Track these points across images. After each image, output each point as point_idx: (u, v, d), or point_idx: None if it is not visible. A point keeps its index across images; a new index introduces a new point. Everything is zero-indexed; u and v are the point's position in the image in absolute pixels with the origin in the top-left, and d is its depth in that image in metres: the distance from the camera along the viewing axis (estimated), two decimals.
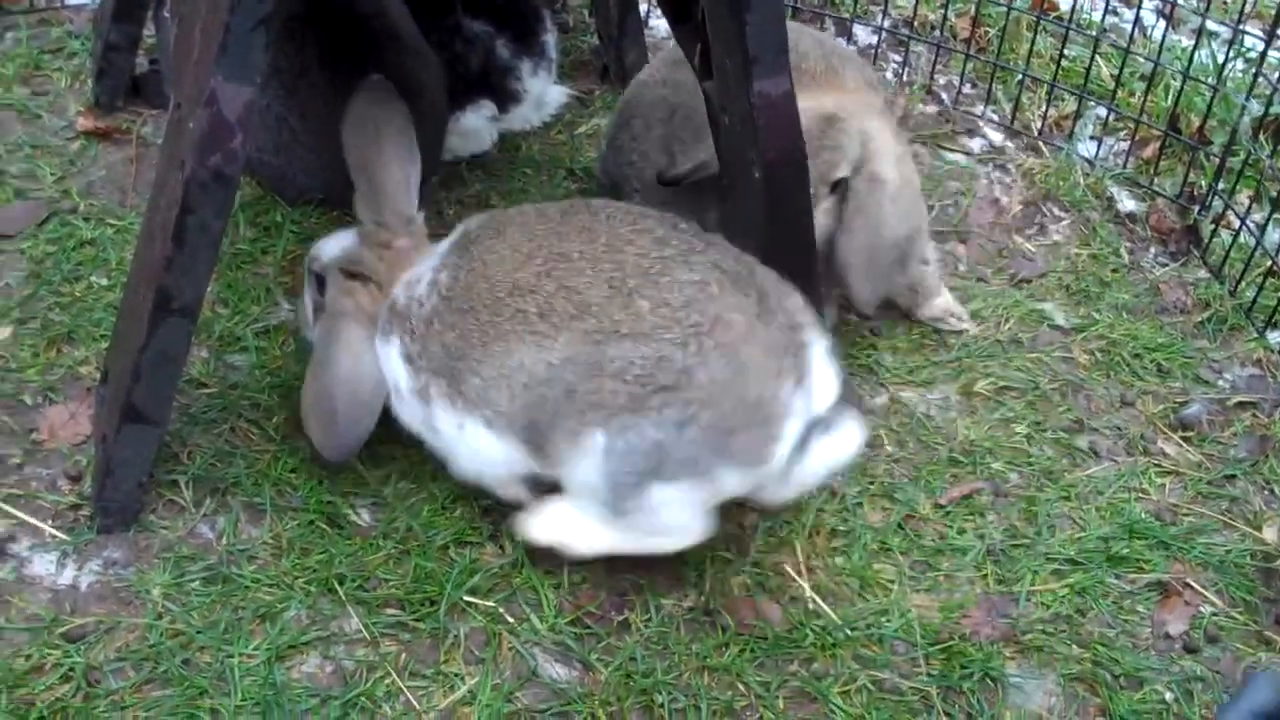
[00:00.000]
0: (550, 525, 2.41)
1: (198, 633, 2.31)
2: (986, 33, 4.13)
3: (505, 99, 3.38)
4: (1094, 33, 3.89)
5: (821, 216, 2.78)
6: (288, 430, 2.66)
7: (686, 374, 2.20)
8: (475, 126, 3.37)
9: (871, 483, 2.75)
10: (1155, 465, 2.88)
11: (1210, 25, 3.89)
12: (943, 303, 3.15)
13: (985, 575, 2.60)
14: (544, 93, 3.49)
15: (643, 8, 3.86)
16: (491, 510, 2.57)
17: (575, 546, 2.40)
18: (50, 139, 3.33)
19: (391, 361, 2.44)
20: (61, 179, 3.21)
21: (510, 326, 2.29)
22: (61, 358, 2.77)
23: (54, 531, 2.46)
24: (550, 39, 3.48)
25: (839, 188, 2.84)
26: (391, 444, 2.64)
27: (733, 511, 2.61)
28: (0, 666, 2.22)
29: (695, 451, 2.22)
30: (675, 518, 2.33)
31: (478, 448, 2.40)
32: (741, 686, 2.35)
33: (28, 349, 2.78)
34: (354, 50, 3.13)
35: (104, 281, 2.95)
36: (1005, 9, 3.97)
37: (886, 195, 2.83)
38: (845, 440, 2.36)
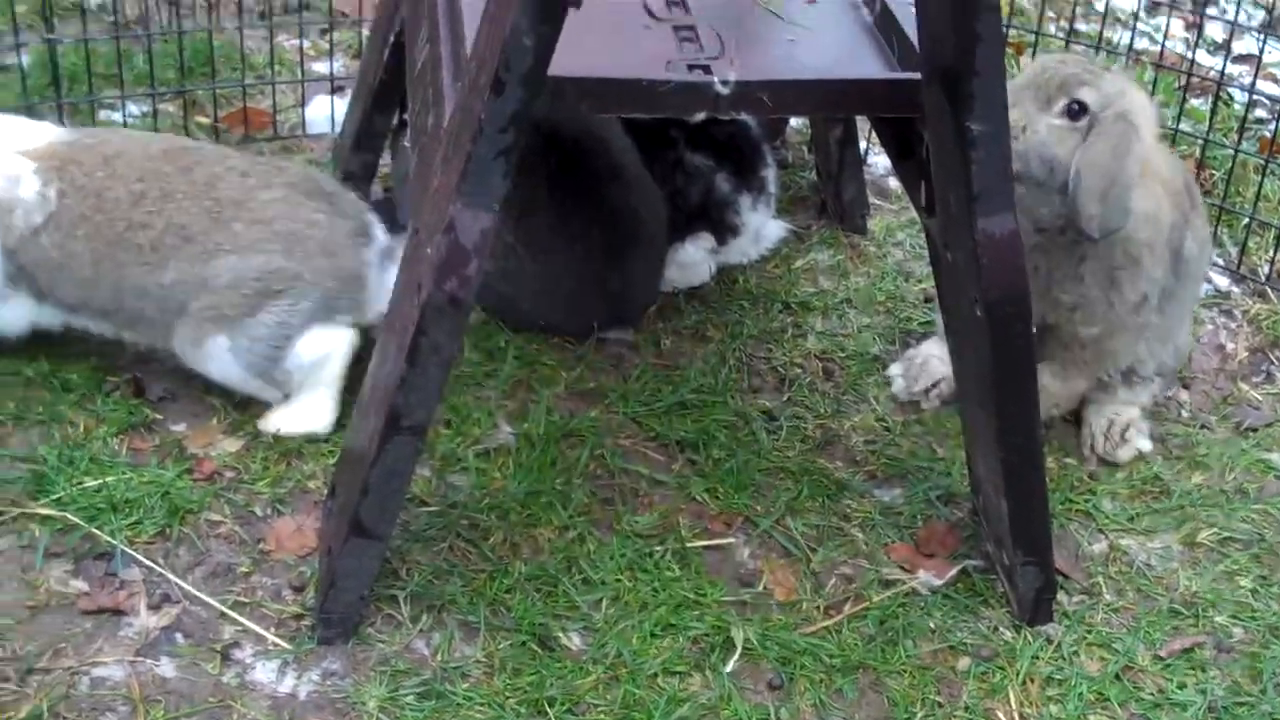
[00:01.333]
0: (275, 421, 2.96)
1: None
2: (1212, 175, 4.07)
3: (724, 232, 3.45)
4: None
5: (1047, 133, 2.81)
6: (504, 551, 2.71)
7: (297, 275, 2.86)
8: (694, 258, 3.44)
9: (1089, 631, 2.68)
10: None
11: None
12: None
13: None
14: (762, 227, 3.55)
15: (862, 144, 3.90)
16: (699, 639, 2.57)
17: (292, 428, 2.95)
18: None
19: None
20: None
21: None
22: (290, 471, 2.87)
23: (276, 640, 2.53)
24: (770, 174, 3.54)
25: (1081, 113, 2.82)
26: (603, 569, 2.67)
27: (944, 655, 2.58)
28: None
29: (313, 316, 2.90)
30: (321, 348, 2.93)
31: None
32: None
33: (259, 462, 2.88)
34: (580, 182, 3.22)
35: None
36: (1232, 152, 3.91)
37: (1136, 138, 2.79)
38: None
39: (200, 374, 2.97)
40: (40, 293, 2.91)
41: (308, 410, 2.96)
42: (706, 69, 2.42)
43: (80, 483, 2.77)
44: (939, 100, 2.34)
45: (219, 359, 2.90)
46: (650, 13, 2.71)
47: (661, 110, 2.43)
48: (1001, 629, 2.67)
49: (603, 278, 3.25)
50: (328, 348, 2.94)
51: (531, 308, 3.27)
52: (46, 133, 2.99)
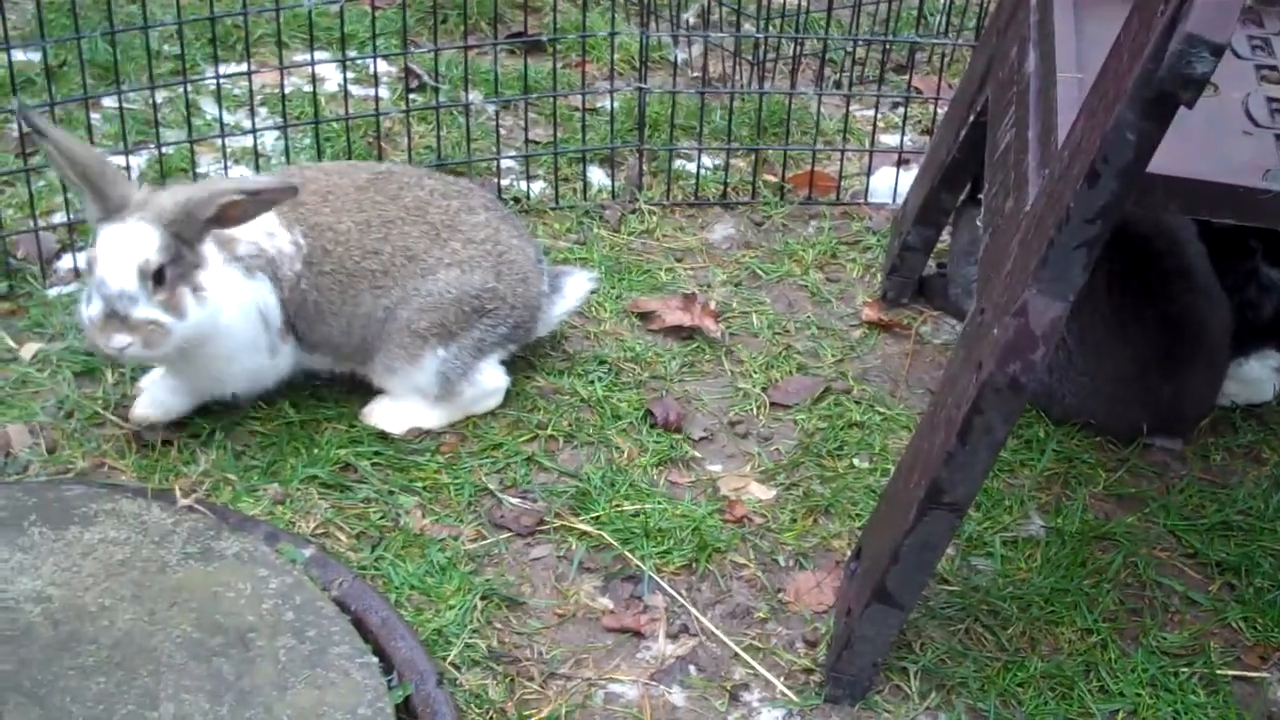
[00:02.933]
0: (391, 417, 3.05)
1: None
2: None
3: None
4: None
5: None
6: (1022, 643, 2.66)
7: (503, 297, 3.04)
8: (1258, 375, 3.27)
9: None
10: None
11: None
12: None
13: None
14: None
15: None
16: None
17: (424, 424, 3.06)
18: (835, 323, 3.55)
19: None
20: (840, 361, 3.41)
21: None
22: (817, 528, 2.92)
23: (785, 689, 2.58)
24: None
25: None
26: (1123, 681, 2.58)
27: None
28: None
29: (503, 340, 3.09)
30: (492, 382, 3.10)
31: None
32: None
33: (787, 513, 2.95)
34: (1145, 281, 3.14)
35: (866, 464, 3.08)
36: None
37: None
38: (578, 284, 3.31)
39: (381, 388, 3.10)
40: (299, 337, 3.00)
41: (419, 414, 3.07)
42: None
43: (619, 505, 2.91)
44: None
45: (427, 371, 3.00)
46: (1252, 119, 2.61)
47: (1255, 218, 2.33)
48: None
49: (1156, 382, 3.14)
50: (499, 383, 3.13)
51: (1077, 403, 3.19)
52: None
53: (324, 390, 3.11)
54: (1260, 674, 2.66)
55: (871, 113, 4.23)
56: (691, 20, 4.72)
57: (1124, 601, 2.77)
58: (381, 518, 2.82)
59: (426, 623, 2.59)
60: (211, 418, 2.99)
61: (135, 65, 3.97)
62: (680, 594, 2.75)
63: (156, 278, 2.67)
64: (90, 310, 2.68)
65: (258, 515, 2.74)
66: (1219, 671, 2.64)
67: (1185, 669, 2.63)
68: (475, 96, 4.15)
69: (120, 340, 2.66)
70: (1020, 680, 2.58)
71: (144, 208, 2.71)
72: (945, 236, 3.66)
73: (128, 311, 2.66)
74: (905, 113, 4.32)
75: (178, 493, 2.72)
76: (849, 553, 2.77)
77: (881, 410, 3.24)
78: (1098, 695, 2.57)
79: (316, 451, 2.94)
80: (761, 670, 2.61)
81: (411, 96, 4.20)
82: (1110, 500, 3.03)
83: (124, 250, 2.66)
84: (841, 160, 4.10)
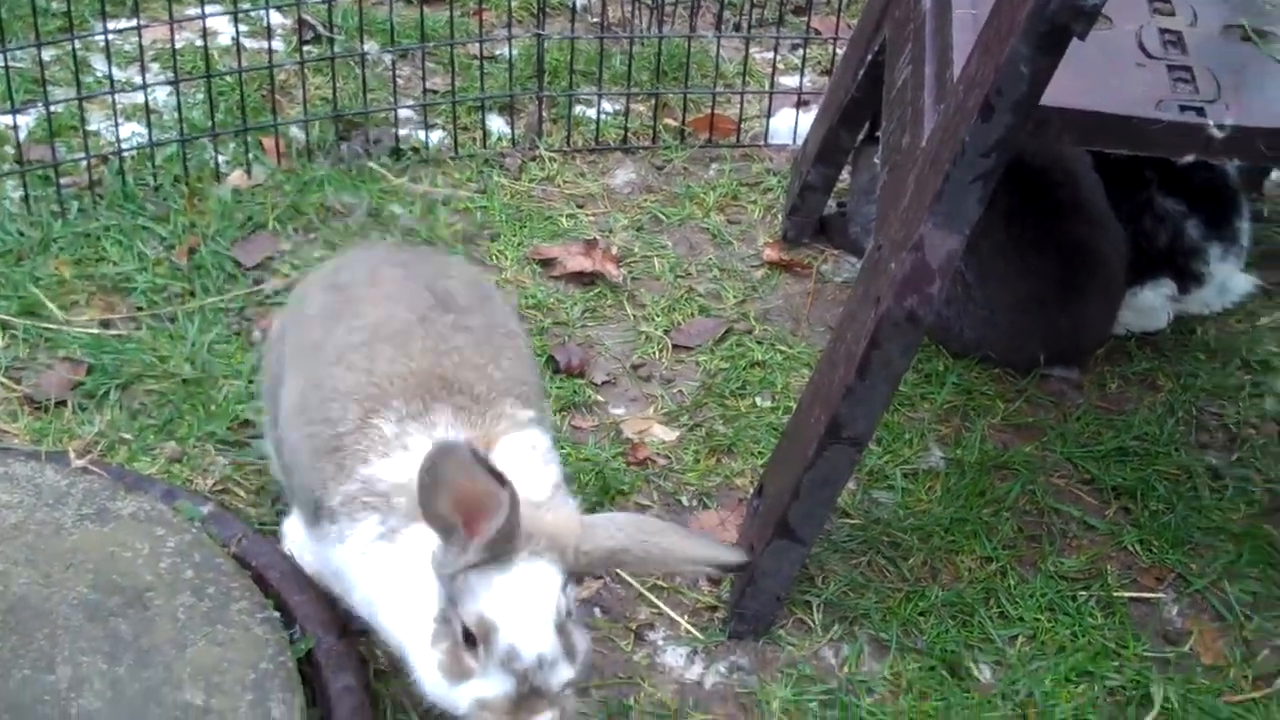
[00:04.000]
0: None
1: None
2: None
3: (1187, 280, 3.32)
4: None
5: None
6: (923, 573, 2.69)
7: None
8: (1152, 304, 3.32)
9: None
10: None
11: None
12: None
13: None
14: (1229, 279, 3.39)
15: None
16: (1116, 691, 2.49)
17: None
18: (737, 264, 3.55)
19: None
20: (742, 302, 3.42)
21: None
22: (720, 467, 2.93)
23: (689, 627, 2.59)
24: (1244, 225, 3.38)
25: None
26: (1023, 606, 2.62)
27: None
28: None
29: None
30: None
31: None
32: None
33: (690, 454, 2.96)
34: (1040, 213, 3.16)
35: (768, 403, 3.10)
36: None
37: None
38: None
39: None
40: None
41: None
42: (1200, 110, 2.33)
43: None
44: None
45: None
46: (1145, 51, 2.62)
47: (1149, 149, 2.36)
48: None
49: (1053, 313, 3.17)
50: None
51: (975, 336, 3.22)
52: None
53: (219, 345, 3.07)
54: (1156, 595, 2.71)
55: (771, 55, 4.24)
56: None
57: (1022, 529, 2.81)
58: None
59: None
60: (106, 376, 2.94)
61: (22, 23, 3.88)
62: None
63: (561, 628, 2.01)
64: (487, 690, 1.95)
65: (154, 474, 2.71)
66: (1116, 594, 2.68)
67: (1083, 592, 2.68)
68: (371, 46, 4.09)
69: None
70: (922, 609, 2.61)
71: (534, 540, 1.98)
72: (845, 176, 3.67)
73: (548, 682, 1.96)
74: (804, 54, 4.33)
75: (72, 455, 2.68)
76: (751, 490, 2.78)
77: (783, 349, 3.25)
78: (998, 621, 2.60)
79: (214, 409, 2.91)
80: (666, 609, 2.62)
81: (306, 48, 4.14)
82: (1009, 430, 3.06)
83: (533, 605, 1.97)
84: (741, 103, 4.09)
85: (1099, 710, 2.45)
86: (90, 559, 2.39)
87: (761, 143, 4.06)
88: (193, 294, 3.22)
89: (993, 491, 2.88)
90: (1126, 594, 2.70)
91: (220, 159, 3.63)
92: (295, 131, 3.75)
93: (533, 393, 2.32)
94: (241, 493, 2.74)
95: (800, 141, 3.83)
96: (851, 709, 2.43)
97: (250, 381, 2.98)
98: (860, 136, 3.54)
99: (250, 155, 3.66)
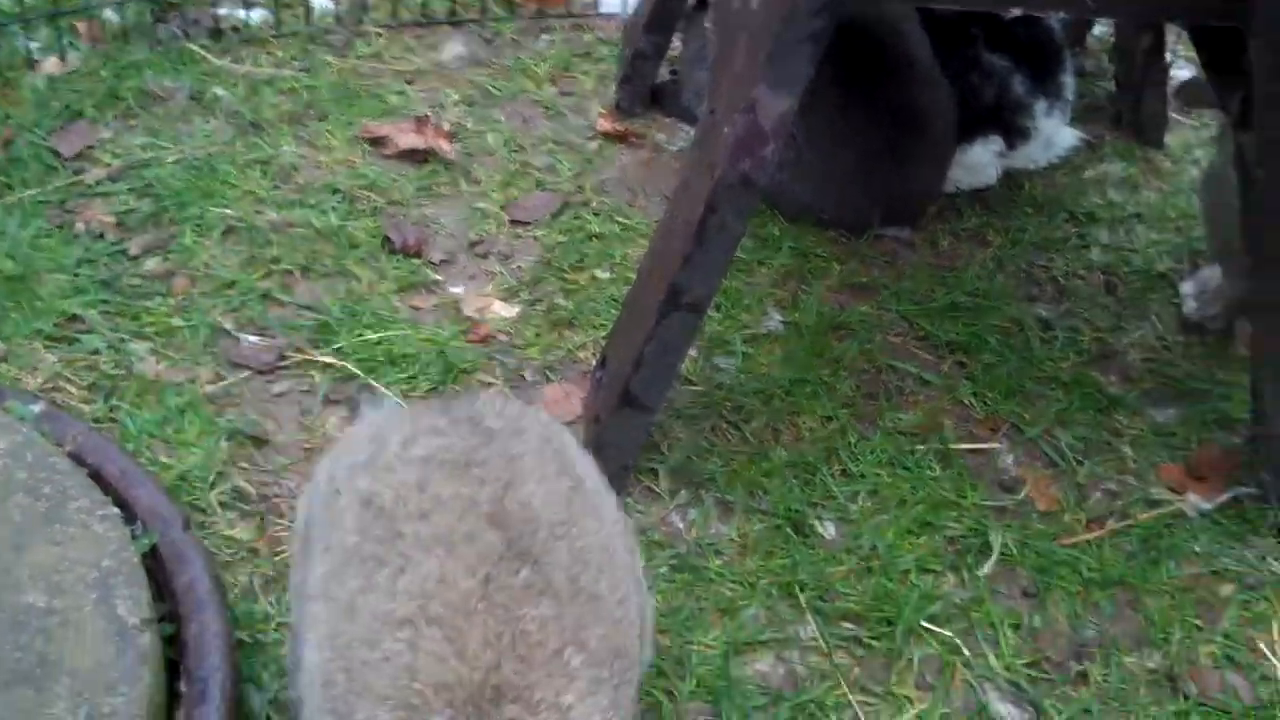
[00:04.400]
0: None
1: (662, 615, 2.38)
2: None
3: (1014, 135, 3.37)
4: None
5: None
6: (765, 436, 2.72)
7: None
8: (981, 160, 3.37)
9: None
10: None
11: None
12: None
13: None
14: (1055, 133, 3.46)
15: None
16: (956, 540, 2.55)
17: None
18: (572, 136, 3.53)
19: None
20: (578, 175, 3.40)
21: None
22: (561, 341, 2.93)
23: None
24: (1068, 80, 3.44)
25: None
26: (863, 462, 2.67)
27: (1207, 580, 2.51)
28: None
29: None
30: None
31: None
32: None
33: (532, 329, 2.95)
34: (868, 72, 3.18)
35: (607, 275, 3.10)
36: None
37: None
38: None
39: None
40: None
41: None
42: None
43: (361, 335, 2.87)
44: (1274, 7, 2.23)
45: None
46: None
47: (976, 3, 2.37)
48: (1270, 559, 2.57)
49: (884, 173, 3.21)
50: None
51: (809, 198, 3.25)
52: None
53: (41, 240, 2.98)
54: (991, 445, 2.78)
55: None
56: None
57: (861, 387, 2.86)
58: (114, 367, 2.73)
59: (169, 469, 2.53)
60: None
61: None
62: None
63: None
64: None
65: None
66: (952, 446, 2.74)
67: (921, 446, 2.73)
68: None
69: None
70: (766, 470, 2.65)
71: None
72: (677, 43, 3.65)
73: None
74: None
75: None
76: (594, 362, 2.78)
77: (621, 221, 3.25)
78: (839, 478, 2.65)
79: (38, 304, 2.82)
80: None
81: None
82: (845, 291, 3.10)
83: None
84: None
85: (940, 559, 2.52)
86: None
87: (592, 12, 4.03)
88: (10, 187, 3.11)
89: (831, 352, 2.92)
90: (963, 446, 2.76)
91: (32, 45, 3.49)
92: (110, 14, 3.62)
93: (620, 673, 1.76)
94: (73, 390, 2.67)
95: (631, 10, 3.80)
96: (700, 571, 2.46)
97: (75, 275, 2.90)
98: (691, 2, 3.52)
99: (64, 41, 3.52)
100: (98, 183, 3.16)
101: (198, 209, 3.14)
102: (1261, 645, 2.43)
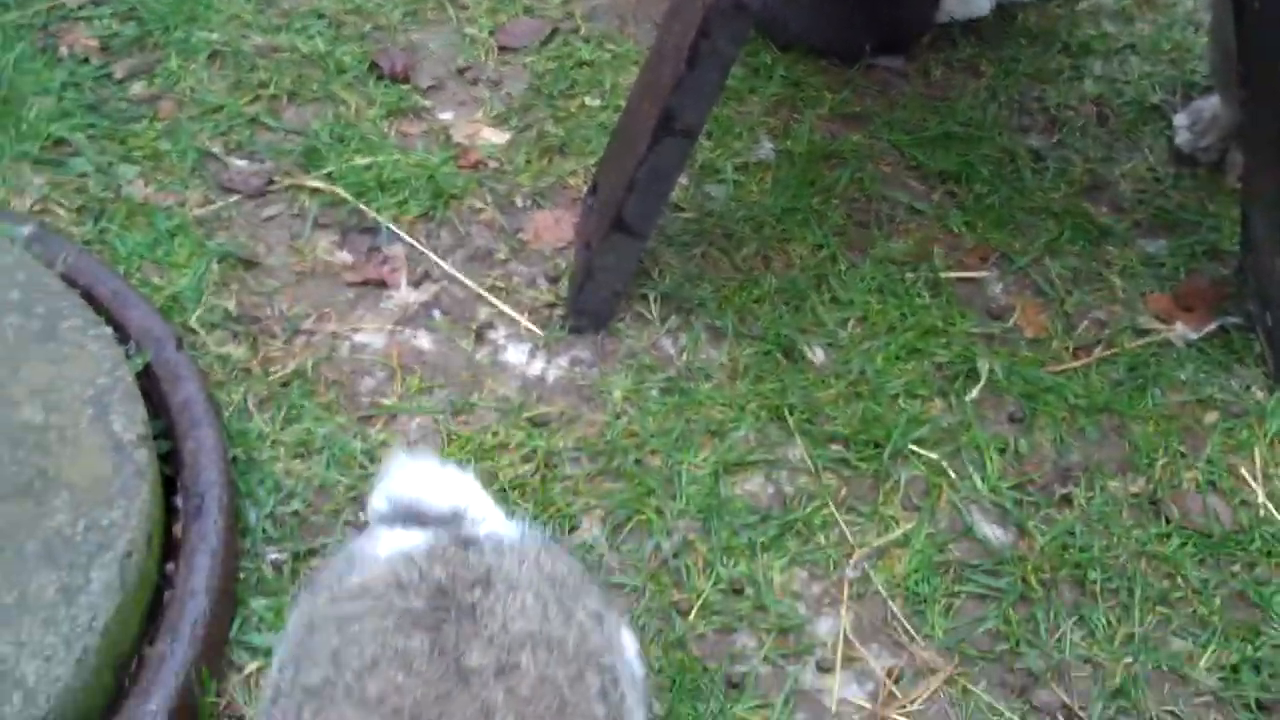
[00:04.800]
0: None
1: (652, 436, 2.41)
2: None
3: None
4: None
5: None
6: (756, 263, 2.73)
7: None
8: None
9: None
10: None
11: None
12: None
13: None
14: None
15: None
16: (944, 366, 2.58)
17: None
18: None
19: None
20: (567, 1, 3.35)
21: None
22: (552, 167, 2.91)
23: (529, 325, 2.61)
24: None
25: None
26: (853, 290, 2.68)
27: (1191, 407, 2.54)
28: (472, 440, 2.39)
29: None
30: None
31: None
32: (1179, 579, 2.29)
33: (522, 155, 2.93)
34: None
35: (597, 102, 3.07)
36: None
37: None
38: None
39: None
40: None
41: None
42: None
43: (350, 160, 2.86)
44: None
45: None
46: None
47: None
48: (1254, 388, 2.60)
49: (876, 1, 3.17)
50: None
51: (801, 27, 3.21)
52: None
53: (25, 64, 2.94)
54: (980, 273, 2.78)
55: None
56: None
57: (851, 215, 2.86)
58: (103, 189, 2.72)
59: (160, 290, 2.53)
60: None
61: None
62: (420, 242, 2.73)
63: None
64: None
65: None
66: (942, 274, 2.75)
67: (911, 274, 2.74)
68: None
69: None
70: (756, 297, 2.66)
71: None
72: None
73: None
74: None
75: None
76: (585, 189, 2.78)
77: (610, 47, 3.21)
78: (829, 305, 2.66)
79: (24, 128, 2.80)
80: (505, 309, 2.63)
81: None
82: (836, 120, 3.08)
83: None
84: None
85: (928, 384, 2.54)
86: None
87: None
88: None
89: (822, 181, 2.91)
90: (952, 274, 2.77)
91: None
92: None
93: None
94: (62, 212, 2.66)
95: None
96: (691, 394, 2.49)
97: (61, 98, 2.87)
98: None
99: None
100: (80, 6, 3.11)
101: (183, 33, 3.09)
102: (1243, 471, 2.46)
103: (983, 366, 2.58)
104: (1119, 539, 2.34)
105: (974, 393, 2.54)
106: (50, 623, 1.89)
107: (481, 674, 1.50)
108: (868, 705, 2.12)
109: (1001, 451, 2.45)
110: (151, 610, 2.06)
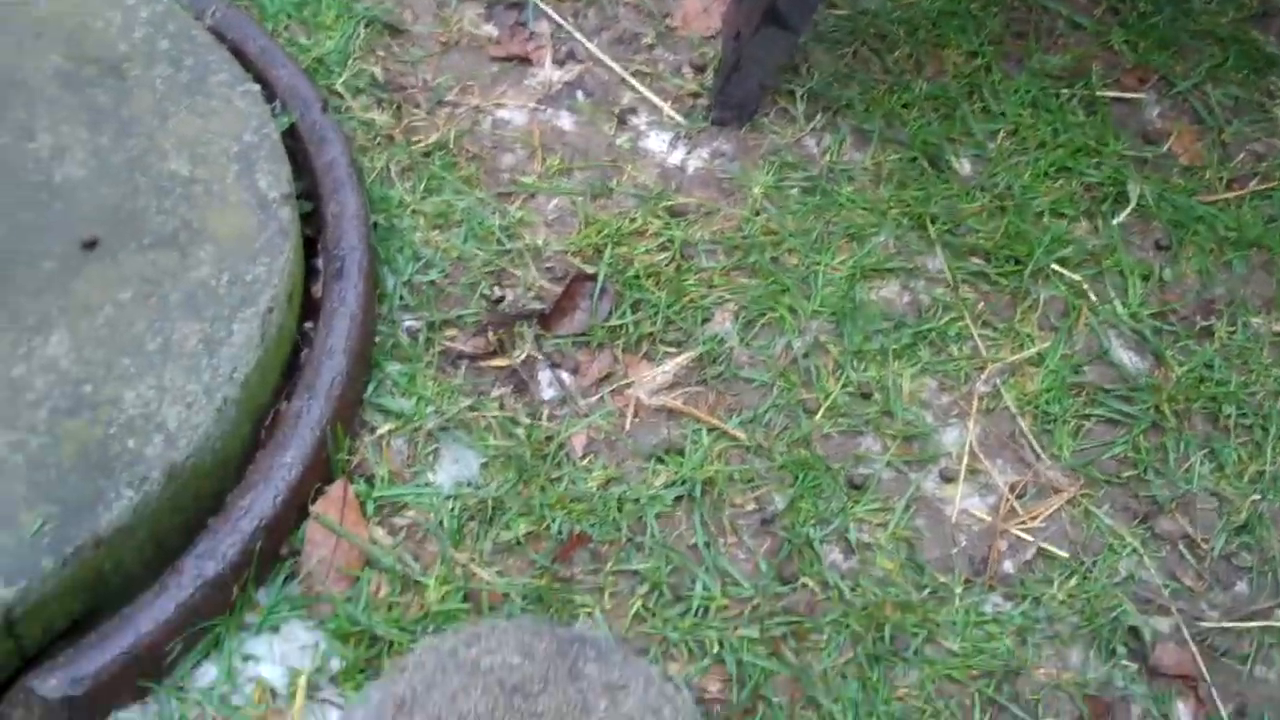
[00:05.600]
0: None
1: (790, 235, 2.39)
2: None
3: None
4: None
5: None
6: (908, 66, 2.66)
7: None
8: None
9: None
10: None
11: None
12: None
13: None
14: None
15: None
16: (1093, 187, 2.52)
17: None
18: None
19: None
20: None
21: None
22: None
23: (672, 113, 2.57)
24: None
25: None
26: (1005, 102, 2.61)
27: None
28: (609, 225, 2.38)
29: None
30: None
31: None
32: None
33: None
34: None
35: None
36: None
37: None
38: None
39: None
40: None
41: None
42: None
43: None
44: None
45: None
46: None
47: None
48: None
49: None
50: None
51: None
52: None
53: None
54: (1138, 95, 2.70)
55: None
56: None
57: (1010, 25, 2.77)
58: None
59: (307, 51, 2.52)
60: None
61: None
62: (566, 21, 2.69)
63: None
64: None
65: None
66: (1099, 93, 2.67)
67: (1066, 90, 2.66)
68: None
69: None
70: (905, 101, 2.60)
71: None
72: None
73: None
74: None
75: None
76: None
77: None
78: (980, 115, 2.60)
79: None
80: (649, 95, 2.60)
81: None
82: None
83: None
84: None
85: (1076, 204, 2.49)
86: (62, 28, 2.32)
87: None
88: None
89: None
90: (1109, 93, 2.69)
91: None
92: None
93: None
94: None
95: None
96: (832, 195, 2.45)
97: None
98: None
99: None
100: None
101: None
102: None
103: (1133, 190, 2.51)
104: (1257, 376, 2.30)
105: (1121, 216, 2.48)
106: (193, 371, 1.92)
107: None
108: (987, 518, 2.12)
109: (1145, 278, 2.40)
110: (289, 367, 2.09)
